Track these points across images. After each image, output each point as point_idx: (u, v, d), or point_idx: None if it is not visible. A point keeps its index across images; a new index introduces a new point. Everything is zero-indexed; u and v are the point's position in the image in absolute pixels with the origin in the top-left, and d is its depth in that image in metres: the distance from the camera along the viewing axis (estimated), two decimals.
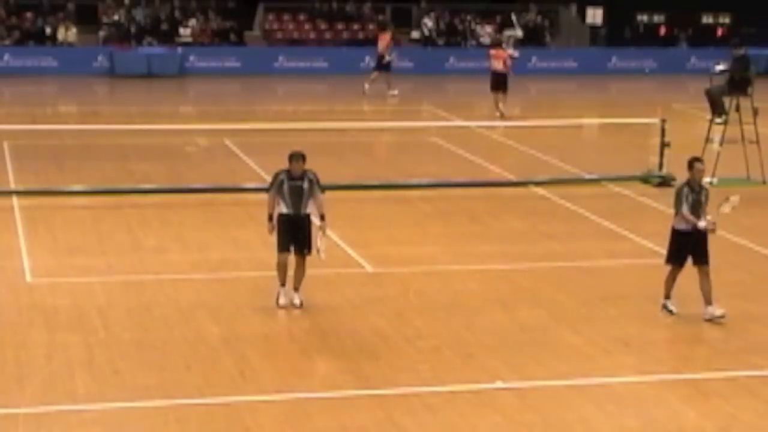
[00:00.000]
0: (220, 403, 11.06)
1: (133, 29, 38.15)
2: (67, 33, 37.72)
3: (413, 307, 14.18)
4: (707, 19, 43.59)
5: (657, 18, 43.02)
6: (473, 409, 11.07)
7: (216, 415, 10.82)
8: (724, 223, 18.57)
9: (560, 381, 11.83)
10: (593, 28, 40.98)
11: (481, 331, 13.31)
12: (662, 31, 42.88)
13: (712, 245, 17.50)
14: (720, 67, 22.09)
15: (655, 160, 21.60)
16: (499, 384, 11.66)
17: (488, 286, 15.14)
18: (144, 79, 35.76)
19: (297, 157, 13.90)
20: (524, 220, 18.75)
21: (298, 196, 13.75)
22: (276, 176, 13.88)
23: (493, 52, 31.75)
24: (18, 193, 19.66)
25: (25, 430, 10.43)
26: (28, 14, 38.12)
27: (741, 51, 22.07)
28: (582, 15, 41.33)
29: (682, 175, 21.35)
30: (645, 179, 21.49)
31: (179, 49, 37.26)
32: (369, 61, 38.37)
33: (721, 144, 21.69)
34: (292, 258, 13.90)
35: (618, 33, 41.45)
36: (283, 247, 13.80)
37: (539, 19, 41.72)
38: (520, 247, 17.16)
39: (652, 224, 18.66)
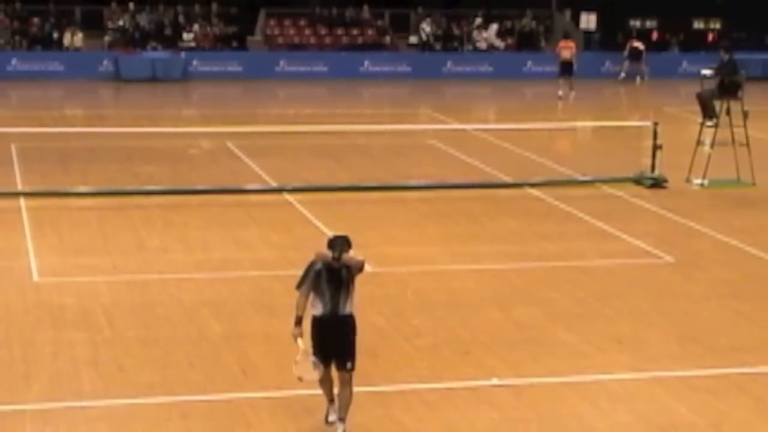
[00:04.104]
0: (223, 400, 11.13)
1: (137, 34, 38.27)
2: (74, 38, 37.83)
3: (411, 306, 14.25)
4: (698, 25, 43.70)
5: (649, 23, 43.14)
6: (470, 405, 11.16)
7: (218, 411, 10.89)
8: (715, 224, 18.84)
9: (555, 378, 11.91)
10: (587, 33, 41.20)
11: (478, 329, 13.38)
12: (654, 36, 43.06)
13: (705, 245, 17.80)
14: (706, 72, 22.27)
15: (648, 162, 21.68)
16: (495, 381, 11.73)
17: (484, 286, 15.21)
18: (148, 83, 35.87)
19: (342, 242, 10.39)
20: (520, 221, 18.82)
21: (336, 288, 10.39)
22: (309, 268, 10.42)
23: (562, 44, 35.57)
24: (25, 194, 19.72)
25: (32, 426, 10.48)
26: (36, 20, 38.24)
27: (726, 56, 22.16)
28: (576, 20, 41.49)
29: (674, 177, 21.70)
30: (638, 181, 21.58)
31: (183, 54, 37.37)
32: (368, 65, 38.77)
33: (712, 146, 21.78)
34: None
35: (611, 38, 41.62)
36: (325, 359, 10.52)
37: (534, 24, 41.92)
38: (515, 247, 17.24)
39: (645, 225, 18.86)
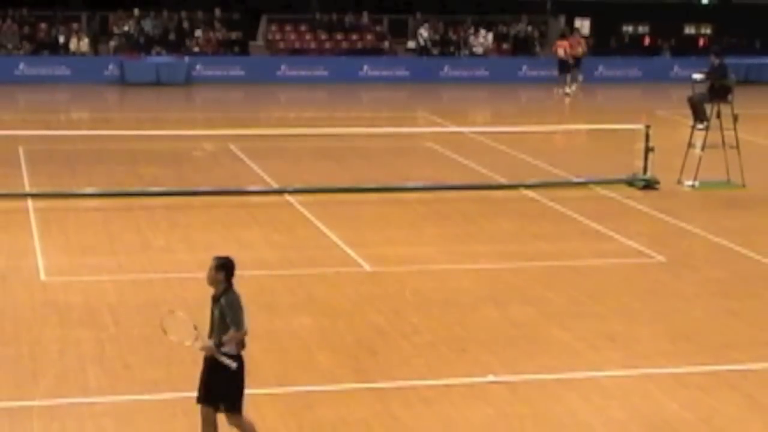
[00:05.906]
0: None
1: (142, 40, 38.40)
2: (80, 43, 37.96)
3: (409, 305, 14.37)
4: (689, 30, 43.90)
5: (642, 29, 43.42)
6: (466, 401, 11.24)
7: None
8: (706, 224, 18.99)
9: (549, 375, 12.02)
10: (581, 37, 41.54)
11: (474, 327, 13.53)
12: (647, 41, 43.29)
13: (696, 245, 17.98)
14: (697, 76, 22.48)
15: (640, 164, 21.79)
16: (491, 378, 11.83)
17: (481, 285, 15.34)
18: (153, 87, 35.90)
19: (212, 261, 9.54)
20: (515, 222, 18.94)
21: (210, 326, 9.53)
22: None
23: (559, 42, 37.39)
24: (33, 195, 19.81)
25: (39, 421, 10.57)
26: (43, 25, 38.37)
27: (717, 60, 22.34)
28: (570, 25, 41.76)
29: (665, 179, 21.85)
30: (630, 182, 21.71)
31: (186, 59, 37.41)
32: (367, 69, 39.02)
33: (702, 149, 21.91)
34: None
35: (604, 43, 41.82)
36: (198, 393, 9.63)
37: (529, 29, 42.16)
38: (511, 247, 17.36)
39: (637, 225, 18.93)
